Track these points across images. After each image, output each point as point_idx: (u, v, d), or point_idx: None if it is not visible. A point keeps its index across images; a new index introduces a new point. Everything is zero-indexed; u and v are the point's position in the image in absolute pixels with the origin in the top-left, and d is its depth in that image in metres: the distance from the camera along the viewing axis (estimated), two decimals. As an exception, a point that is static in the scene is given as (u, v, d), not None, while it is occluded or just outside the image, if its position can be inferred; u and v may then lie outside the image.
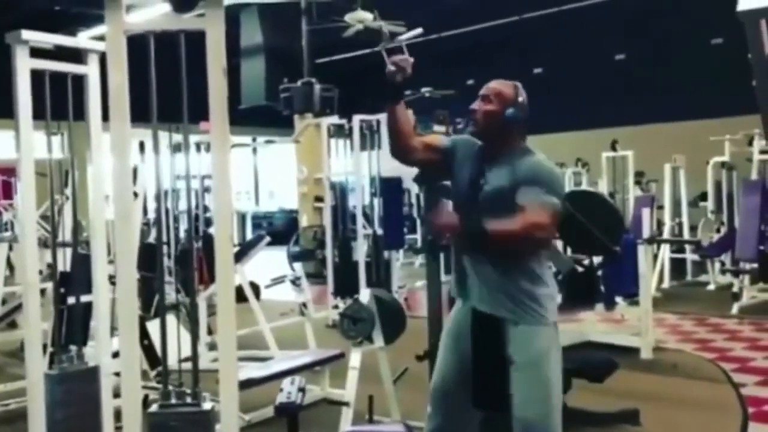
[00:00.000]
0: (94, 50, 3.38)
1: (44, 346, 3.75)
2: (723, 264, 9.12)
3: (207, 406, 2.42)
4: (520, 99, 2.77)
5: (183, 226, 8.27)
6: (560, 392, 2.70)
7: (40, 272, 4.24)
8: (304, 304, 5.49)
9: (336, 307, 7.45)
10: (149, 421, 2.42)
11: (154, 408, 2.44)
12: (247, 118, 11.91)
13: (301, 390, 2.52)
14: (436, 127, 3.73)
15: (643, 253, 5.82)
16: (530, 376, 2.63)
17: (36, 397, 3.26)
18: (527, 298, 2.66)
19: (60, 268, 3.78)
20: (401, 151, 2.85)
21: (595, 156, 10.95)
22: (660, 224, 9.93)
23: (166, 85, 2.50)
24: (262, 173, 19.99)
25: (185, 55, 2.48)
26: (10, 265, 6.80)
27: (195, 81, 2.47)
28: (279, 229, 15.85)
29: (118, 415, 2.95)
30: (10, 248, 6.24)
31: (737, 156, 9.59)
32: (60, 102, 3.38)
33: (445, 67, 14.10)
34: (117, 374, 3.23)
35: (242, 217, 17.47)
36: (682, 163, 9.91)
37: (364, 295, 3.96)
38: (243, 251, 6.12)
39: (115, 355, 3.64)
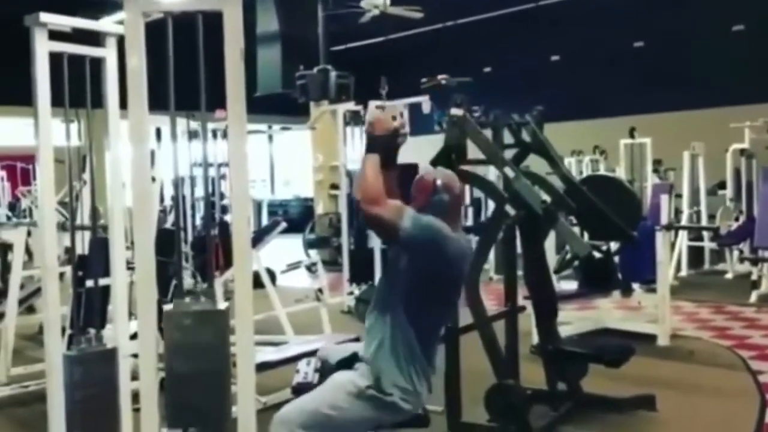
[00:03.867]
0: (111, 33, 3.40)
1: (63, 329, 3.79)
2: (741, 252, 9.05)
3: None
4: (439, 182, 2.83)
5: (198, 213, 8.31)
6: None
7: (58, 257, 4.28)
8: (320, 290, 5.51)
9: (351, 293, 7.47)
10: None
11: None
12: (263, 107, 11.92)
13: (317, 371, 2.53)
14: (453, 110, 3.71)
15: (661, 239, 5.78)
16: None
17: (55, 378, 3.30)
18: None
19: (78, 252, 3.82)
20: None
21: (613, 144, 10.89)
22: (678, 213, 9.86)
23: (182, 75, 2.50)
24: (277, 162, 20.04)
25: (202, 43, 2.48)
26: (28, 250, 6.86)
27: (211, 70, 2.48)
28: (294, 218, 15.86)
29: (135, 397, 2.98)
30: (29, 234, 6.29)
31: (757, 143, 9.49)
32: (78, 91, 3.40)
33: (461, 54, 14.05)
34: (135, 356, 3.26)
35: (258, 206, 17.51)
36: (701, 151, 9.81)
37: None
38: (259, 237, 6.13)
39: (133, 336, 3.67)
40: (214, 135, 7.28)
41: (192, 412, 2.34)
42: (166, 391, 2.34)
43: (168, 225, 7.74)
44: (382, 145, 2.71)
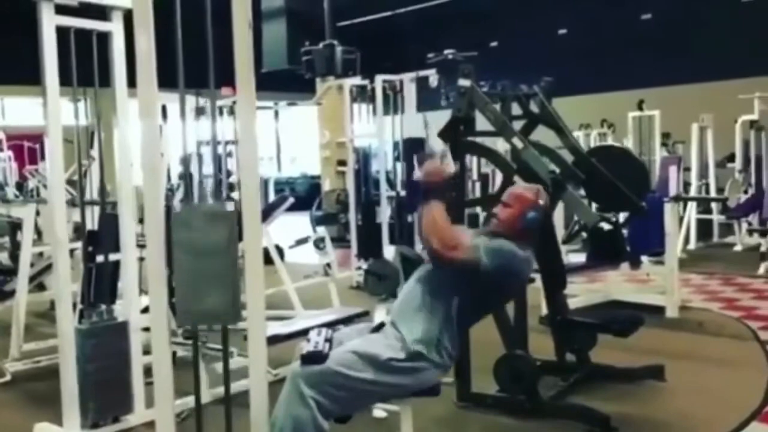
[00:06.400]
0: (118, 7, 3.40)
1: (74, 305, 3.82)
2: (750, 225, 9.02)
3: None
4: (541, 202, 3.02)
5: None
6: None
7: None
8: (328, 265, 5.52)
9: (359, 268, 7.49)
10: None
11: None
12: (270, 83, 11.88)
13: (328, 340, 2.55)
14: (461, 81, 3.69)
15: (669, 211, 5.77)
16: None
17: (67, 351, 3.33)
18: None
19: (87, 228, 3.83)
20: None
21: (621, 117, 10.83)
22: (687, 186, 9.81)
23: (189, 53, 2.50)
24: (284, 139, 20.03)
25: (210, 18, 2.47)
26: (37, 229, 6.88)
27: (217, 47, 2.48)
28: (301, 195, 15.87)
29: (147, 371, 3.01)
30: (37, 213, 6.30)
31: (767, 115, 9.42)
32: (85, 70, 3.41)
33: (468, 28, 13.96)
34: (146, 330, 3.29)
35: (265, 183, 17.49)
36: (710, 123, 9.73)
37: (390, 252, 3.97)
38: (267, 212, 6.14)
39: (144, 311, 3.70)
40: (221, 112, 7.26)
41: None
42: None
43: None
44: (443, 191, 2.78)
